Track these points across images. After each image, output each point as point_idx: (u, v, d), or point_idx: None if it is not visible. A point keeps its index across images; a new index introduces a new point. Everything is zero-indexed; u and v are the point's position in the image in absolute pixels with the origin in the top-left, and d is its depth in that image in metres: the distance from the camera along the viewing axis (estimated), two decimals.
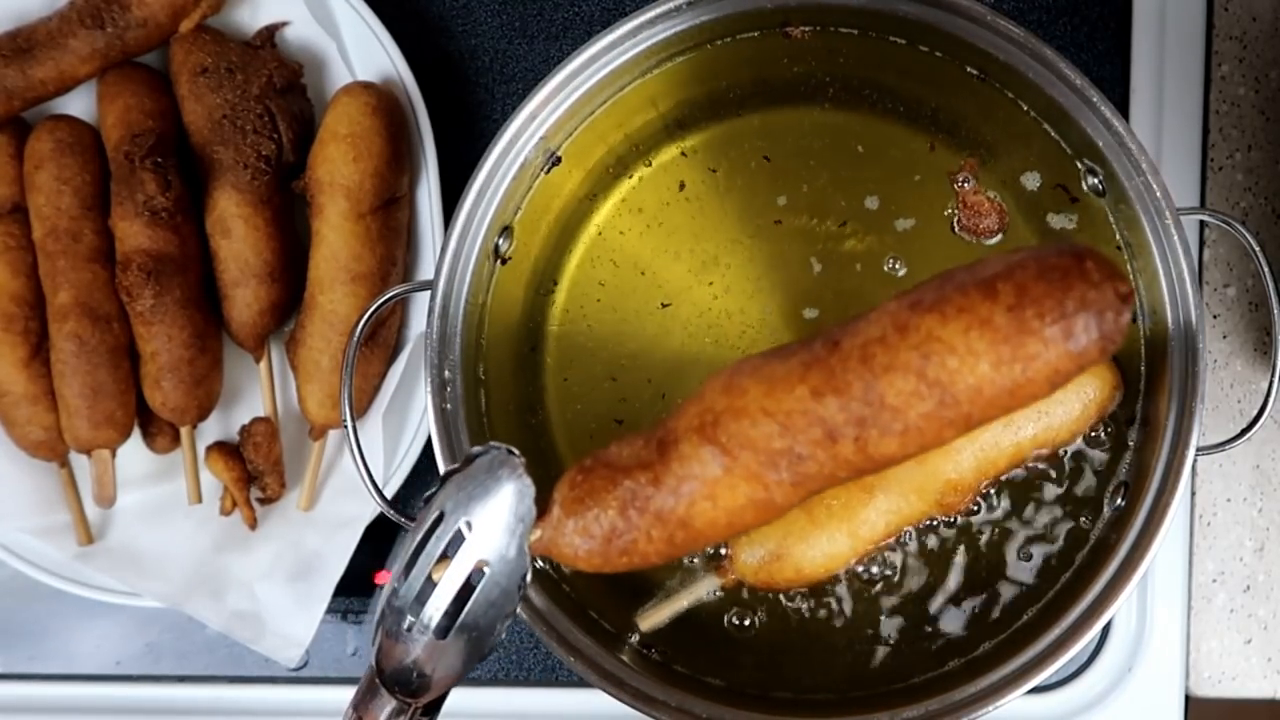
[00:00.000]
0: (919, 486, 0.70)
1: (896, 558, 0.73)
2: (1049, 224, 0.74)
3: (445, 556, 0.59)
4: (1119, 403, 0.71)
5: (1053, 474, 0.73)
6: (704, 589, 0.72)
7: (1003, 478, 0.72)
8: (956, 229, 0.73)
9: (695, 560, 0.73)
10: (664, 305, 0.75)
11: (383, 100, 0.84)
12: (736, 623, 0.73)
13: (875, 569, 0.73)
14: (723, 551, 0.72)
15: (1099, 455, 0.73)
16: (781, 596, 0.73)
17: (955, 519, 0.72)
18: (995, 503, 0.73)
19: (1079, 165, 0.72)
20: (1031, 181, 0.74)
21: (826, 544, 0.70)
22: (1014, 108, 0.73)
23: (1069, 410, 0.70)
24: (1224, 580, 0.89)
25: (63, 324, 0.83)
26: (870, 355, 0.53)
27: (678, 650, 0.73)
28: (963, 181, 0.71)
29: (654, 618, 0.72)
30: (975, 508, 0.72)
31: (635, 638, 0.72)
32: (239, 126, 0.83)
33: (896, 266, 0.74)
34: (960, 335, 0.51)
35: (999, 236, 0.74)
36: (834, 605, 0.73)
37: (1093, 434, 0.72)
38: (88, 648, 0.93)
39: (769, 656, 0.73)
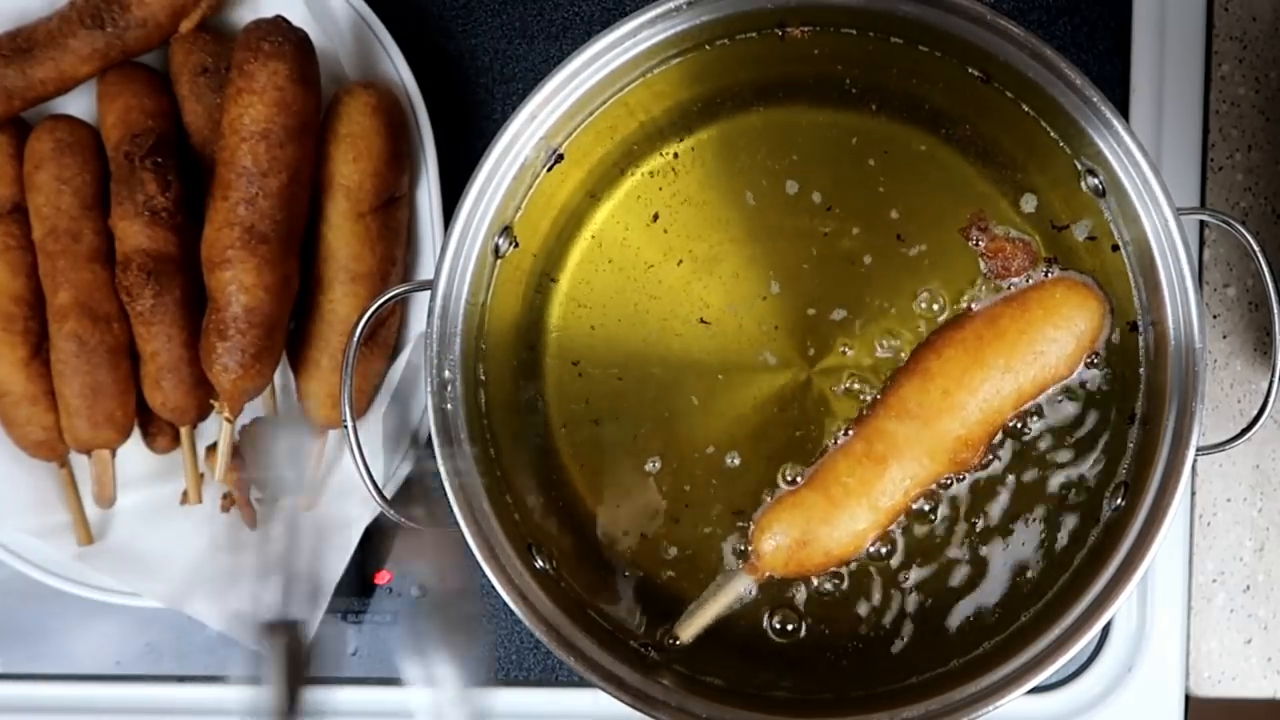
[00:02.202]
0: (930, 449, 0.71)
1: (895, 558, 0.73)
2: (1073, 233, 0.74)
3: None
4: (1111, 328, 0.72)
5: (1053, 471, 0.73)
6: (739, 588, 0.72)
7: (1005, 450, 0.73)
8: (987, 274, 0.73)
9: (729, 564, 0.73)
10: (665, 306, 0.75)
11: (383, 100, 0.84)
12: (771, 624, 0.73)
13: (873, 568, 0.73)
14: (748, 549, 0.72)
15: (1098, 452, 0.73)
16: (785, 595, 0.73)
17: (970, 474, 0.73)
18: (995, 501, 0.73)
19: (1079, 165, 0.72)
20: (1031, 200, 0.74)
21: (849, 522, 0.71)
22: (1014, 108, 0.73)
23: (1063, 347, 0.71)
24: (1224, 580, 0.89)
25: (63, 324, 0.83)
26: None
27: (677, 650, 0.73)
28: (976, 239, 0.72)
29: (693, 626, 0.72)
30: (991, 458, 0.73)
31: (655, 646, 0.72)
32: None
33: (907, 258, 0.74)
34: None
35: (1028, 276, 0.73)
36: (833, 605, 0.73)
37: (1090, 419, 0.72)
38: (88, 648, 0.93)
39: (769, 656, 0.73)
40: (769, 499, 0.73)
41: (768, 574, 0.72)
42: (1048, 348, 0.70)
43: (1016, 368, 0.70)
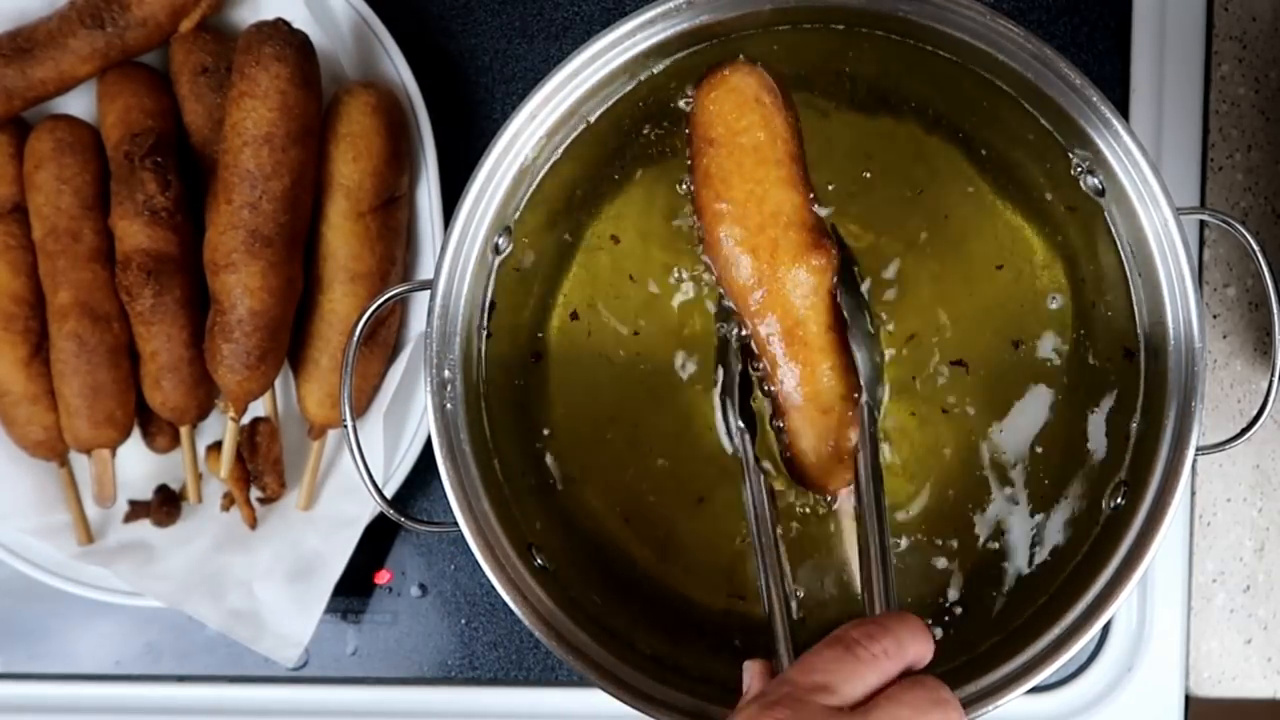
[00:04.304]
0: (795, 276, 0.70)
1: (896, 555, 0.73)
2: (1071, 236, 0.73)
3: None
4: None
5: (1051, 469, 0.73)
6: (845, 509, 0.72)
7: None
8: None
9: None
10: (670, 304, 0.75)
11: (382, 100, 0.84)
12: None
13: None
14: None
15: (1098, 452, 0.73)
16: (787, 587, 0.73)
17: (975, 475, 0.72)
18: (993, 500, 0.73)
19: (1078, 165, 0.72)
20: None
21: (826, 383, 0.70)
22: (1013, 107, 0.73)
23: (754, 114, 0.70)
24: (1224, 580, 0.89)
25: (63, 324, 0.83)
26: None
27: (675, 648, 0.73)
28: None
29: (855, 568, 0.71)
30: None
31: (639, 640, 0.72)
32: None
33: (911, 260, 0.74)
34: None
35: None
36: (832, 603, 0.73)
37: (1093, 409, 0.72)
38: (88, 648, 0.93)
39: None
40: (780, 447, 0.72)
41: (844, 485, 0.71)
42: (746, 122, 0.70)
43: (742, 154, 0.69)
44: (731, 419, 0.71)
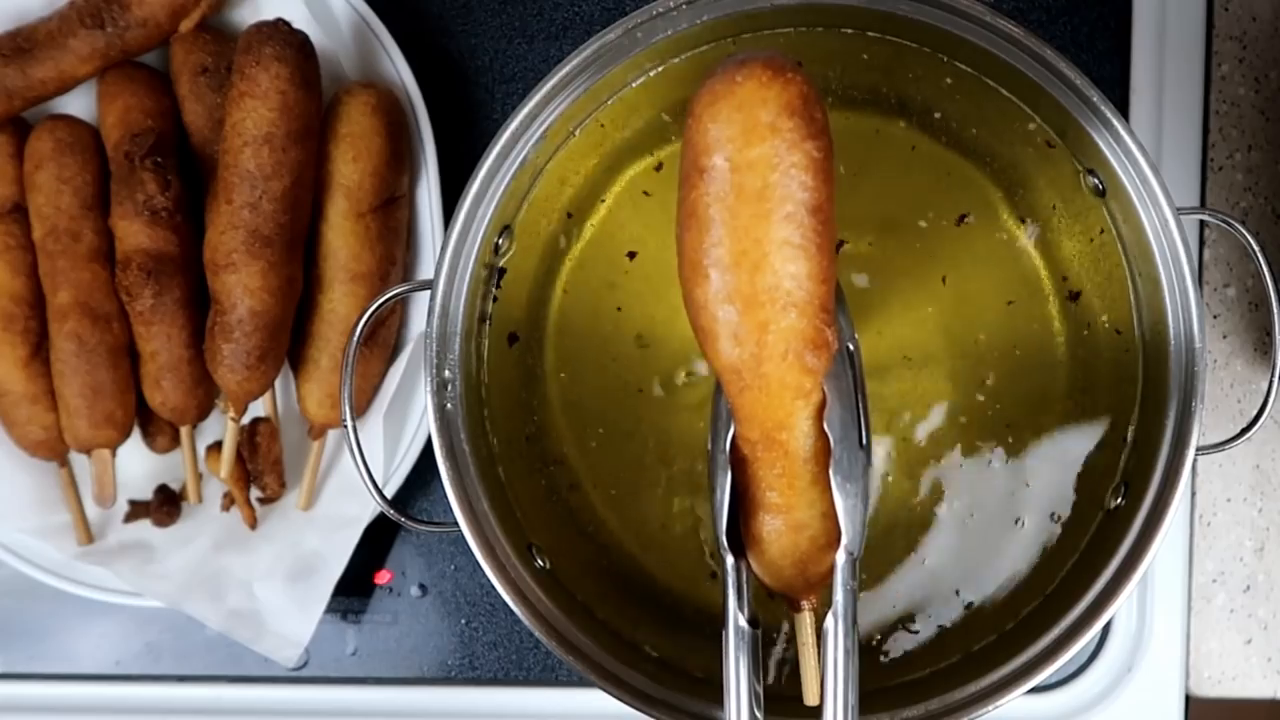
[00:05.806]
0: (781, 372, 0.54)
1: (892, 553, 0.73)
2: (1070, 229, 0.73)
3: None
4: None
5: (1050, 471, 0.73)
6: (807, 627, 0.64)
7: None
8: None
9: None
10: (671, 305, 0.75)
11: (382, 100, 0.84)
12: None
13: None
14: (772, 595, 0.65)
15: (1099, 457, 0.73)
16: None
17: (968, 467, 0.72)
18: (993, 501, 0.73)
19: (1078, 165, 0.72)
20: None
21: (808, 507, 0.58)
22: (1013, 108, 0.73)
23: (770, 146, 0.52)
24: (1224, 580, 0.89)
25: (63, 324, 0.83)
26: None
27: (675, 648, 0.73)
28: None
29: (811, 687, 0.64)
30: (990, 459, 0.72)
31: (643, 643, 0.72)
32: None
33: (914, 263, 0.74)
34: None
35: None
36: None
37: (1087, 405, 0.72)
38: (88, 648, 0.93)
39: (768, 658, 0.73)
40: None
41: (811, 599, 0.63)
42: (754, 154, 0.51)
43: (750, 203, 0.51)
44: (721, 542, 0.58)
